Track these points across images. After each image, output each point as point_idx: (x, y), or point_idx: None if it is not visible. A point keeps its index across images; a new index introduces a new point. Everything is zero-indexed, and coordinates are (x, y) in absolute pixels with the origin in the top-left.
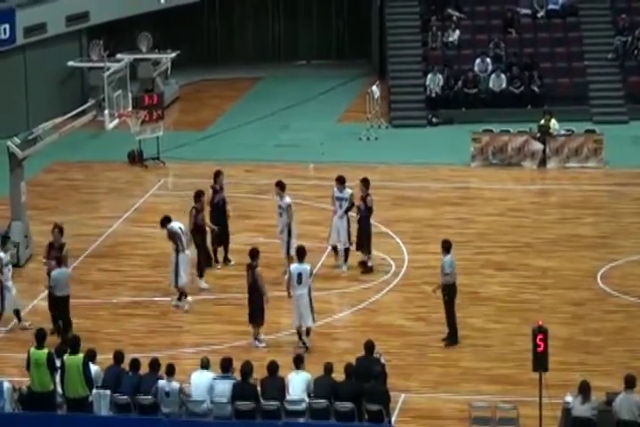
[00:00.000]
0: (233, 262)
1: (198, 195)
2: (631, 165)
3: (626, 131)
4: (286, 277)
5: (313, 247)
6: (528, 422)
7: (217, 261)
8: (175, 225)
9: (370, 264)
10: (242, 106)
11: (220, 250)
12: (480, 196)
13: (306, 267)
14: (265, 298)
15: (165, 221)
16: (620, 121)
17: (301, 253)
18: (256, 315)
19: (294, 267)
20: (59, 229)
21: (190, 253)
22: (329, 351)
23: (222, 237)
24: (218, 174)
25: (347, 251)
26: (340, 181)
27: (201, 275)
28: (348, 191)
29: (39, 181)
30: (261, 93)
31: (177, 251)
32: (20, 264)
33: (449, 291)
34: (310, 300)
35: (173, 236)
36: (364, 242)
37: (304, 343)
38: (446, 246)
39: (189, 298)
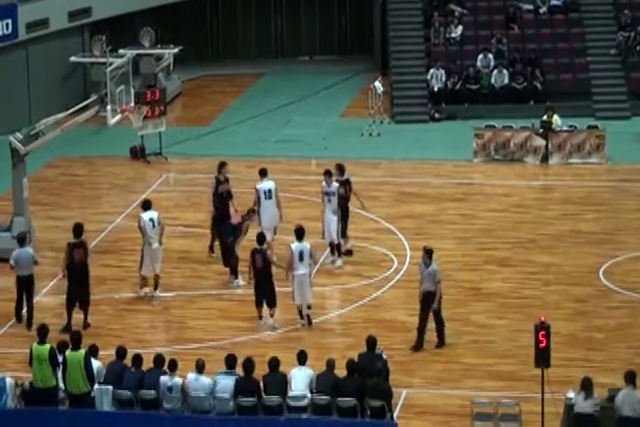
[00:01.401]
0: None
1: (227, 193)
2: (633, 160)
3: (628, 127)
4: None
5: (315, 243)
6: (530, 419)
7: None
8: (146, 216)
9: (349, 247)
10: (244, 101)
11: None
12: (482, 191)
13: (306, 245)
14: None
15: (143, 206)
16: (623, 117)
17: (300, 233)
18: (272, 297)
19: (295, 246)
20: (72, 229)
21: (158, 246)
22: (331, 347)
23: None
24: (222, 165)
25: (338, 246)
26: (329, 174)
27: (235, 275)
28: (335, 185)
29: (41, 177)
30: (264, 89)
31: (143, 243)
32: None
33: (433, 298)
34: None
35: (139, 226)
36: (343, 228)
37: (308, 318)
38: (431, 254)
39: (150, 290)
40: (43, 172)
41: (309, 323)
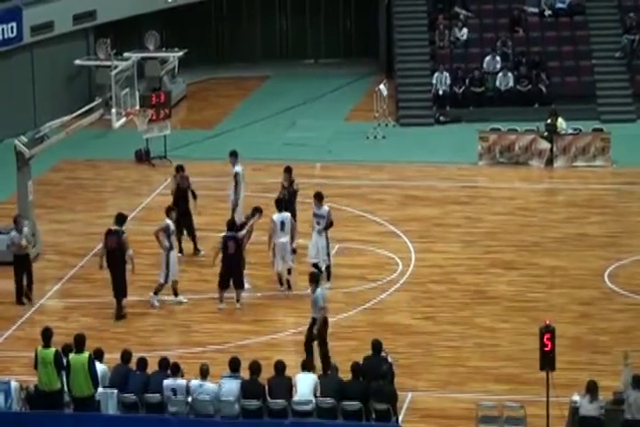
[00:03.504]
0: (203, 253)
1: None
2: (638, 163)
3: (633, 129)
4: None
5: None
6: (535, 422)
7: (181, 252)
8: (164, 221)
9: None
10: (249, 104)
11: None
12: (487, 195)
13: (287, 215)
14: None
15: (167, 211)
16: (628, 120)
17: (280, 204)
18: (241, 281)
19: (276, 216)
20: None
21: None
22: (336, 350)
23: (189, 229)
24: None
25: (327, 268)
26: (319, 197)
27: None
28: (326, 209)
29: (46, 180)
30: (269, 92)
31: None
32: None
33: (324, 324)
34: (293, 248)
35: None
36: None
37: (288, 283)
38: (316, 279)
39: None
40: (48, 175)
41: (289, 287)
